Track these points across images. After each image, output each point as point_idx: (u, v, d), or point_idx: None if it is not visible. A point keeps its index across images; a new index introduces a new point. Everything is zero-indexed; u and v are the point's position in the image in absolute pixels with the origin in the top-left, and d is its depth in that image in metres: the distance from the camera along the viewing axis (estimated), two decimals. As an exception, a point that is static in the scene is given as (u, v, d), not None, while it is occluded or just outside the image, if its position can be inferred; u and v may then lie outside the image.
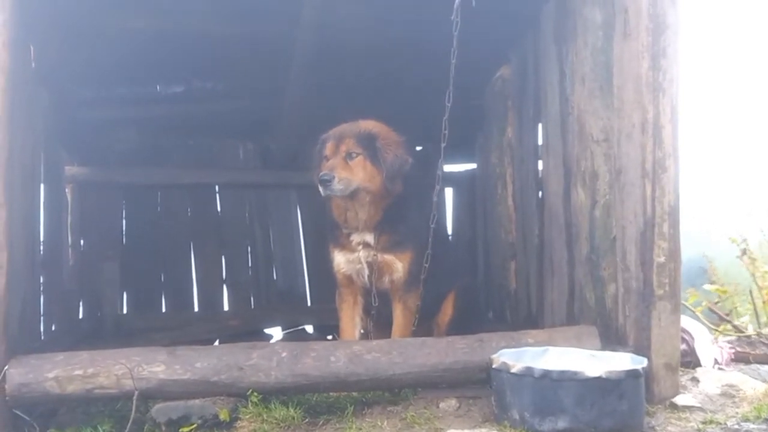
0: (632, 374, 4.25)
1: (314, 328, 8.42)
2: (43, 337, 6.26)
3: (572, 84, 5.46)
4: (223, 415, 4.47)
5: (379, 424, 4.47)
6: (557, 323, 5.63)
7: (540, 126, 6.18)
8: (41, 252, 6.29)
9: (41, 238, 6.32)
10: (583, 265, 5.32)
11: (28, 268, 5.31)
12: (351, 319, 5.66)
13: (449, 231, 8.40)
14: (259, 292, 8.53)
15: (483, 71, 7.10)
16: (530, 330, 5.14)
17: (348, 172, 5.31)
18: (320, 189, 5.28)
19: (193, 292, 8.37)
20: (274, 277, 8.59)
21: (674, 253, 4.70)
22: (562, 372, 4.18)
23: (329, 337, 7.38)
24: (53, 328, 6.72)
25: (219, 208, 8.49)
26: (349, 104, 6.19)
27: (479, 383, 4.75)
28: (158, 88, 7.52)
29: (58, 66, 6.33)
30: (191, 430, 4.42)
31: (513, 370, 4.27)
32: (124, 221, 8.23)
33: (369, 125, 5.49)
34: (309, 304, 8.58)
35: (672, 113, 4.70)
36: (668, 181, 4.69)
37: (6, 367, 4.41)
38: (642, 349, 4.68)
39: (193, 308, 8.34)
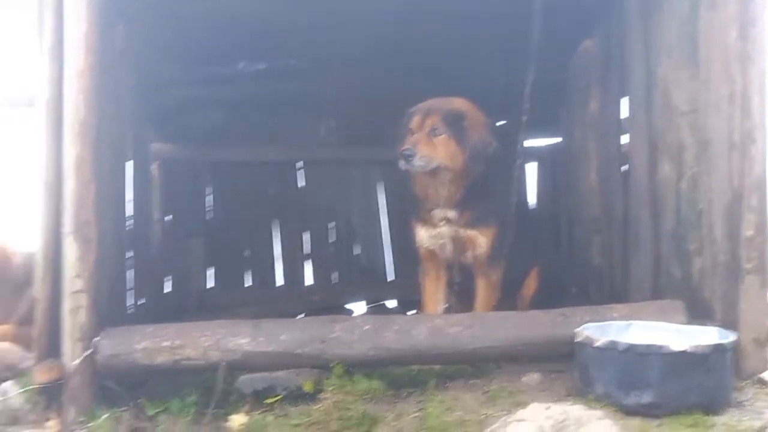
0: (719, 349, 4.18)
1: (396, 303, 8.44)
2: (130, 312, 6.39)
3: (658, 56, 5.36)
4: (307, 387, 4.53)
5: (462, 396, 4.48)
6: (642, 298, 5.53)
7: (624, 99, 6.09)
8: (129, 228, 6.43)
9: (129, 215, 6.45)
10: (669, 239, 5.25)
11: (116, 243, 5.43)
12: (433, 293, 5.68)
13: (532, 206, 8.33)
14: (341, 268, 8.57)
15: (567, 44, 6.99)
16: (615, 304, 5.05)
17: (430, 149, 5.31)
18: (401, 163, 5.29)
19: (277, 268, 8.46)
20: (357, 252, 8.64)
21: (762, 227, 4.60)
22: (648, 346, 4.13)
23: (411, 312, 7.39)
24: (140, 302, 6.84)
25: (302, 185, 8.54)
26: (432, 79, 6.19)
27: (562, 357, 4.70)
28: (241, 66, 7.59)
29: (145, 45, 6.42)
30: (276, 400, 4.50)
31: (597, 345, 4.23)
32: (208, 198, 8.35)
33: (458, 103, 5.47)
34: (391, 279, 8.61)
35: (760, 84, 4.59)
36: (756, 153, 4.58)
37: (97, 339, 4.53)
38: (729, 323, 4.59)
39: (276, 284, 8.43)
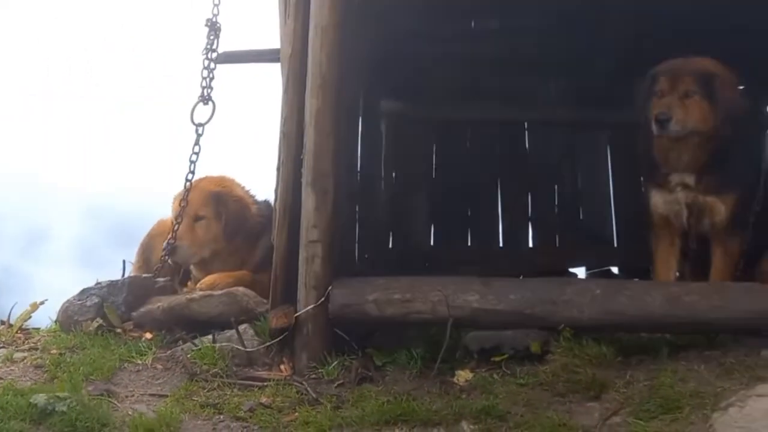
0: None
1: (620, 270, 8.22)
2: (356, 264, 6.52)
3: None
4: (535, 348, 4.52)
5: (696, 368, 4.35)
6: None
7: None
8: (358, 182, 6.55)
9: (358, 170, 6.57)
10: None
11: (347, 197, 5.55)
12: (666, 261, 5.49)
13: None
14: (564, 231, 8.41)
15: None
16: None
17: (685, 113, 5.13)
18: (653, 127, 5.14)
19: (499, 228, 8.41)
20: (581, 216, 8.46)
21: None
22: None
23: (635, 280, 7.18)
24: (366, 256, 6.97)
25: (528, 145, 8.45)
26: (669, 40, 5.95)
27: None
28: (473, 24, 7.54)
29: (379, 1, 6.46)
30: (503, 359, 4.50)
31: None
32: (434, 156, 8.38)
33: (706, 64, 5.26)
34: (615, 245, 8.40)
35: None
36: None
37: (330, 288, 4.65)
38: None
39: (498, 244, 8.38)
